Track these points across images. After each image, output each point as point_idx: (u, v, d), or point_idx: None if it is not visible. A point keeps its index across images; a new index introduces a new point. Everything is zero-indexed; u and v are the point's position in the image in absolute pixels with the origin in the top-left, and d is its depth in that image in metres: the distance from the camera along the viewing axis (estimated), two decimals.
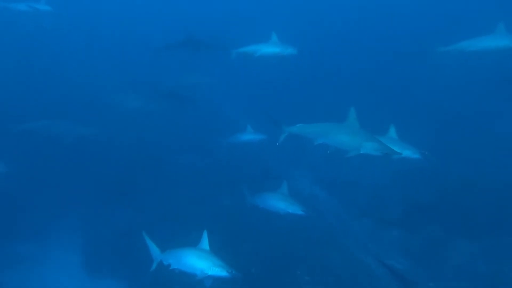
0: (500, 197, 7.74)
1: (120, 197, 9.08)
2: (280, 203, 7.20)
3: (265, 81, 13.47)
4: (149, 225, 7.32)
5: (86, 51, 15.96)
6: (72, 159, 9.87)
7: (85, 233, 8.45)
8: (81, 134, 10.03)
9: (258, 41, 9.44)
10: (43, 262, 7.97)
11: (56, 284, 7.58)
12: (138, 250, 6.60)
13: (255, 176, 9.55)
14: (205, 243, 5.94)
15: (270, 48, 9.27)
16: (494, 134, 10.22)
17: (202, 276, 5.57)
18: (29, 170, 9.24)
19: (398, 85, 13.47)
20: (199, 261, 5.68)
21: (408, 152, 6.85)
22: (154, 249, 6.35)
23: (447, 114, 11.54)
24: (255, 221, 7.87)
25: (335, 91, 13.13)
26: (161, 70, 13.74)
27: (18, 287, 7.47)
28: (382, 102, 11.73)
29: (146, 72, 13.89)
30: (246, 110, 12.00)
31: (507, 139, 9.78)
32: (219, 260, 5.61)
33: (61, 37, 16.83)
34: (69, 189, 9.01)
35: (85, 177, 9.37)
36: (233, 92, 13.70)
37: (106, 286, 7.46)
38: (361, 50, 16.57)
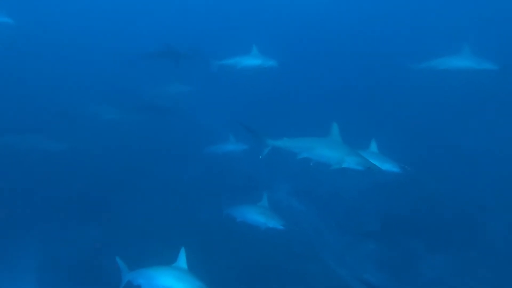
0: (467, 212, 7.94)
1: (88, 213, 8.57)
2: (260, 217, 7.13)
3: (248, 92, 13.40)
4: (120, 242, 7.06)
5: (61, 62, 15.53)
6: (39, 174, 9.38)
7: (45, 251, 7.78)
8: (50, 148, 9.65)
9: (239, 53, 9.48)
10: None
11: None
12: (105, 269, 6.31)
13: (234, 188, 9.43)
14: (182, 261, 5.56)
15: (251, 61, 9.32)
16: (466, 148, 10.54)
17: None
18: None
19: (379, 98, 13.79)
20: (176, 282, 5.28)
21: (388, 166, 7.03)
22: (122, 267, 5.94)
23: (425, 127, 11.81)
24: (232, 234, 7.75)
25: (317, 102, 13.28)
26: (139, 81, 13.50)
27: None
28: (363, 115, 11.98)
29: (123, 83, 13.56)
30: (228, 121, 11.90)
31: (478, 153, 10.12)
32: (197, 281, 5.20)
33: (32, 48, 16.20)
34: (30, 206, 8.54)
35: (51, 193, 8.91)
36: (215, 103, 13.58)
37: None
38: (344, 62, 16.88)
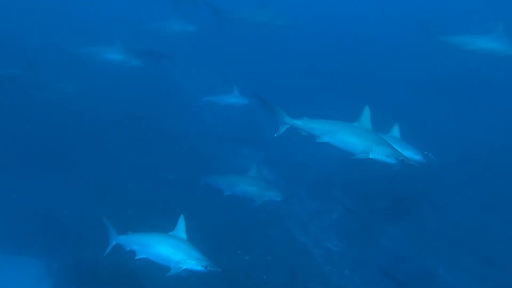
0: (431, 190, 8.19)
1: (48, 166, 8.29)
2: (254, 189, 6.72)
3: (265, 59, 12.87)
4: (86, 199, 6.94)
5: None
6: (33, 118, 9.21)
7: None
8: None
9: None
10: None
11: None
12: (64, 224, 6.23)
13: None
14: (181, 229, 5.25)
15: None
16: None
17: (176, 271, 4.89)
18: None
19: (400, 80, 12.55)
20: (175, 252, 4.97)
21: (409, 153, 6.37)
22: (110, 228, 5.52)
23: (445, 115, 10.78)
24: (199, 197, 7.78)
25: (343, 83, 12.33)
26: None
27: None
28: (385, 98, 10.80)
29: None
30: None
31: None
32: (198, 253, 4.99)
33: None
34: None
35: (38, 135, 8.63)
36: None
37: (20, 263, 6.98)
38: (370, 41, 15.64)
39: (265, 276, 6.67)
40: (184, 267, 4.92)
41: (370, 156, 5.64)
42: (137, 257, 5.21)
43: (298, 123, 6.30)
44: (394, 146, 5.83)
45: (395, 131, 6.99)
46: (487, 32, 8.50)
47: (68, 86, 10.76)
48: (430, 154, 6.66)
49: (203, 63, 13.15)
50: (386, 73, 13.05)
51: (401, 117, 7.45)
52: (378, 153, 5.62)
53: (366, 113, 5.89)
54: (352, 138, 5.83)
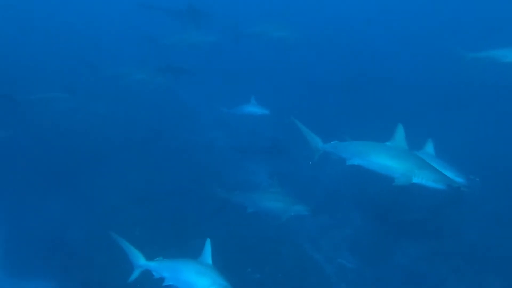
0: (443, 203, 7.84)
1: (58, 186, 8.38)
2: (278, 204, 6.48)
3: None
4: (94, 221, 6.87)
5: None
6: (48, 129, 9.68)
7: (8, 227, 7.68)
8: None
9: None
10: None
11: None
12: (73, 246, 6.16)
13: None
14: (207, 254, 5.19)
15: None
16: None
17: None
18: None
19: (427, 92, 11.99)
20: (206, 281, 4.87)
21: (450, 175, 5.57)
22: (135, 254, 5.32)
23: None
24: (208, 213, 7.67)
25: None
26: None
27: None
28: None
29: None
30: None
31: None
32: (225, 281, 4.89)
33: None
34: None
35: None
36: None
37: (29, 287, 6.90)
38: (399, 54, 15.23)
39: None
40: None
41: (413, 181, 5.05)
42: (165, 283, 5.13)
43: (329, 147, 5.88)
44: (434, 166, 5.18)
45: (429, 147, 6.24)
46: None
47: (100, 107, 11.36)
48: (473, 176, 5.95)
49: (216, 76, 13.40)
50: (410, 89, 12.49)
51: (428, 132, 6.80)
52: (423, 178, 5.03)
53: (400, 131, 5.29)
54: (390, 160, 5.22)
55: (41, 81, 11.64)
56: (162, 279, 5.15)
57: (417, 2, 21.08)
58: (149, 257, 5.34)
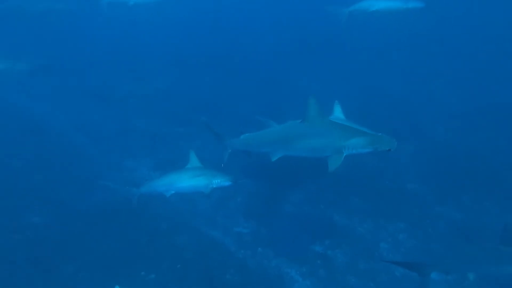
0: None
1: None
2: (199, 179, 6.10)
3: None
4: None
5: None
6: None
7: None
8: None
9: None
10: None
11: None
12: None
13: None
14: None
15: None
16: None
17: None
18: None
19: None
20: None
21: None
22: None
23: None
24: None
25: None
26: None
27: None
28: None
29: None
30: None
31: None
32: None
33: None
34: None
35: None
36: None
37: None
38: None
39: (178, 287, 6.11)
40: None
41: (346, 154, 4.79)
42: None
43: (239, 143, 5.50)
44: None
45: (337, 110, 6.17)
46: None
47: None
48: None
49: None
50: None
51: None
52: (353, 148, 4.80)
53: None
54: (316, 141, 4.91)
55: None
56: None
57: None
58: None
